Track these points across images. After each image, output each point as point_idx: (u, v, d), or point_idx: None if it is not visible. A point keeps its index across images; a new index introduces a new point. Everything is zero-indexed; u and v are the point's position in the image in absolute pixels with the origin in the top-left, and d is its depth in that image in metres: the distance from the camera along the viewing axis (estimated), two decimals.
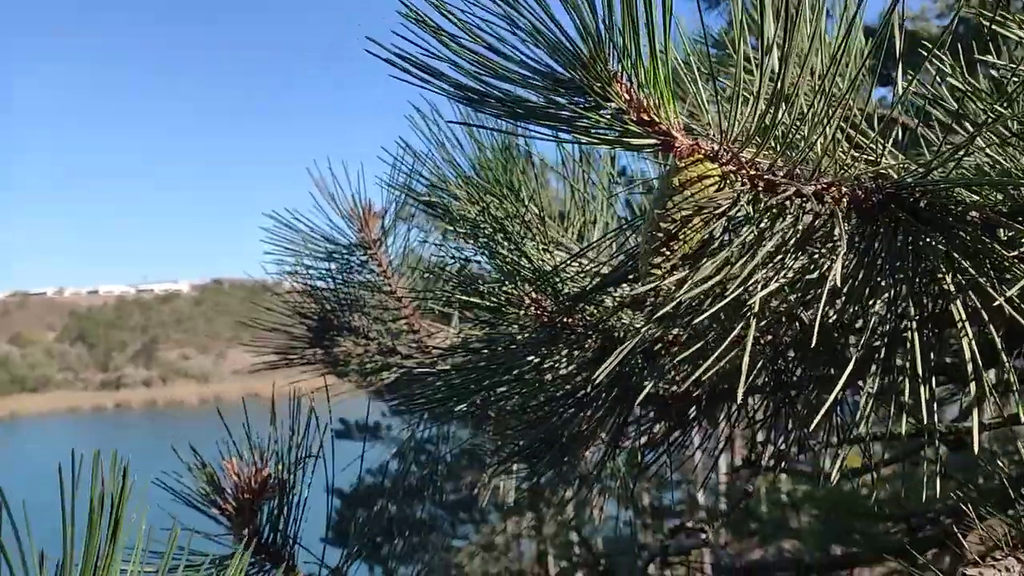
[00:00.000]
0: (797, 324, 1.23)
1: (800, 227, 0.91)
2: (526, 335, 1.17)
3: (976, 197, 0.98)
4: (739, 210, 0.90)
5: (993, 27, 0.91)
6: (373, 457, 2.03)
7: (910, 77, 0.99)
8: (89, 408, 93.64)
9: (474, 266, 1.27)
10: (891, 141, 1.09)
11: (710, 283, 0.79)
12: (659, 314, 0.77)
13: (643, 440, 1.40)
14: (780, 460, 1.50)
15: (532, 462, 1.33)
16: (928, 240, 0.93)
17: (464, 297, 1.18)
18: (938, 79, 1.01)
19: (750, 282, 0.82)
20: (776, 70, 0.89)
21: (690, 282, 0.83)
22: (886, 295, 0.95)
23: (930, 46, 0.91)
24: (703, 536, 2.01)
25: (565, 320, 1.15)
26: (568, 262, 1.12)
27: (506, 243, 1.14)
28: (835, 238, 0.80)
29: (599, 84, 0.90)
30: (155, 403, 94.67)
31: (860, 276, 0.95)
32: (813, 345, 0.75)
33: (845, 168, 0.96)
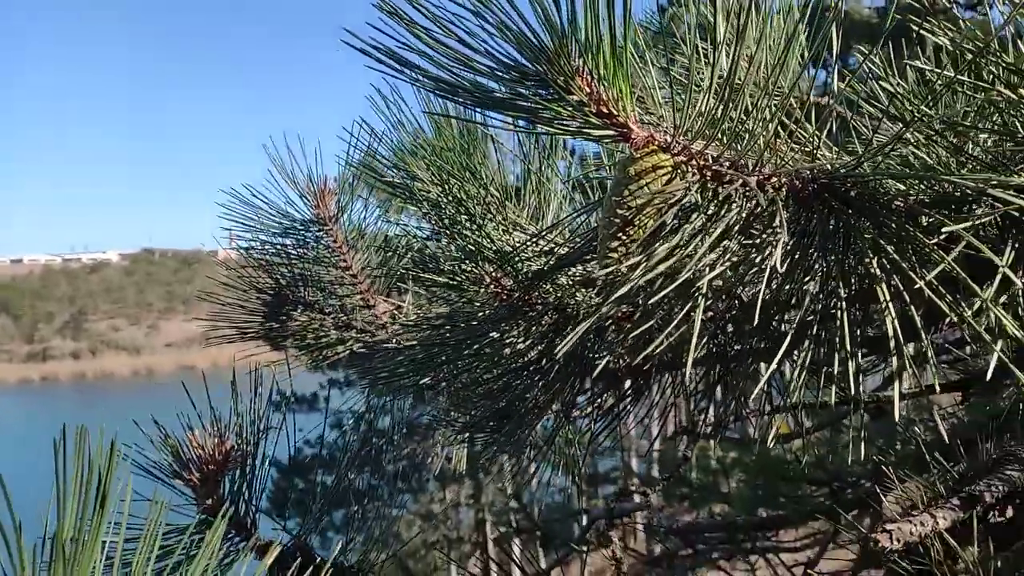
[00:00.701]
0: (736, 301, 1.32)
1: (744, 214, 0.99)
2: (486, 312, 1.23)
3: (901, 187, 1.07)
4: (689, 198, 0.97)
5: (922, 32, 1.00)
6: (309, 428, 2.08)
7: (845, 75, 1.08)
8: (15, 381, 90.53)
9: (432, 244, 1.32)
10: (826, 133, 1.18)
11: (663, 266, 0.86)
12: (616, 295, 0.84)
13: (593, 411, 1.48)
14: (717, 428, 1.61)
15: (490, 433, 1.40)
16: (857, 226, 1.02)
17: (426, 275, 1.24)
18: (871, 78, 1.09)
19: (699, 265, 0.90)
20: (725, 68, 0.96)
21: (644, 266, 0.90)
22: (819, 275, 1.03)
23: (865, 51, 0.99)
24: (646, 500, 2.12)
25: (524, 297, 1.22)
26: (529, 243, 1.19)
27: (469, 224, 1.20)
28: (775, 225, 0.88)
29: (562, 78, 0.96)
30: (84, 376, 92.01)
31: (796, 258, 1.04)
32: (755, 322, 0.82)
33: (784, 159, 1.04)
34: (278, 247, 1.85)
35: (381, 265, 1.77)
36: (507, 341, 1.26)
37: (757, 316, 0.85)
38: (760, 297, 0.86)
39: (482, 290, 1.24)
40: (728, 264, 0.94)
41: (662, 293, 0.86)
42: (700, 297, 0.90)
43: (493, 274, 1.24)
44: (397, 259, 1.66)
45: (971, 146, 1.00)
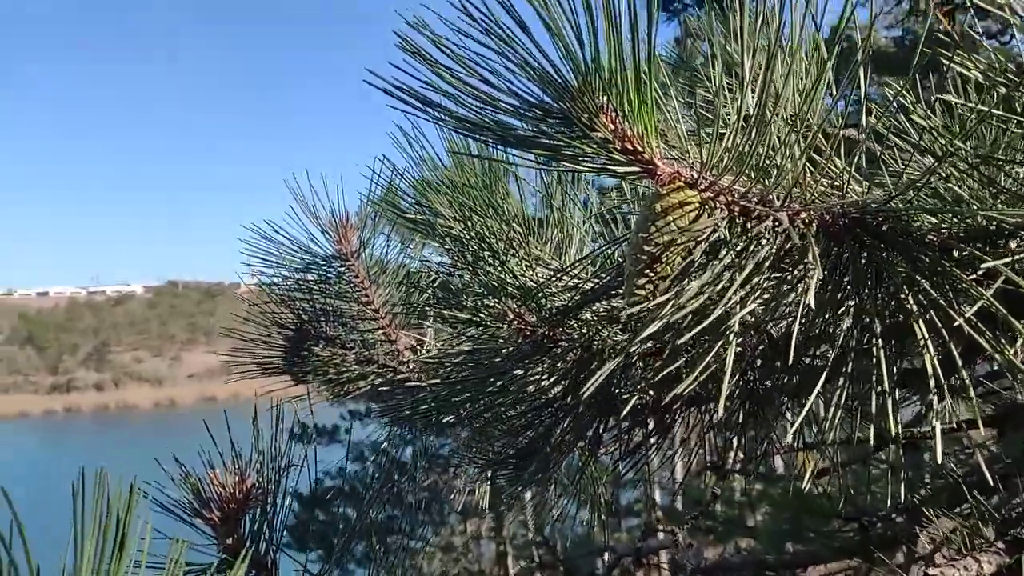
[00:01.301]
0: (766, 337, 1.29)
1: (774, 250, 0.97)
2: (509, 348, 1.21)
3: (934, 220, 1.05)
4: (718, 235, 0.96)
5: (952, 65, 0.98)
6: (330, 459, 2.06)
7: (873, 109, 1.06)
8: (39, 412, 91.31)
9: (456, 280, 1.31)
10: (855, 167, 1.16)
11: (693, 304, 0.84)
12: (644, 333, 0.82)
13: (619, 448, 1.46)
14: (747, 465, 1.57)
15: (513, 470, 1.38)
16: (890, 261, 0.99)
17: (448, 312, 1.23)
18: (899, 111, 1.08)
19: (730, 303, 0.88)
20: (751, 103, 0.95)
21: (673, 304, 0.88)
22: (852, 311, 1.01)
23: (898, 86, 0.98)
24: (673, 538, 2.07)
25: (548, 334, 1.20)
26: (553, 279, 1.17)
27: (491, 260, 1.19)
28: (807, 260, 0.86)
29: (586, 115, 0.95)
30: (107, 407, 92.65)
31: (828, 294, 1.02)
32: (790, 359, 0.80)
33: (814, 194, 1.02)
34: (299, 282, 1.85)
35: (403, 300, 1.76)
36: (531, 378, 1.24)
37: (791, 356, 0.82)
38: (794, 334, 0.84)
39: (505, 326, 1.22)
40: (759, 301, 0.92)
41: (692, 332, 0.84)
42: (731, 335, 0.88)
43: (516, 310, 1.22)
44: (419, 294, 1.65)
45: (1003, 178, 0.98)
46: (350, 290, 1.87)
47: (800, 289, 0.86)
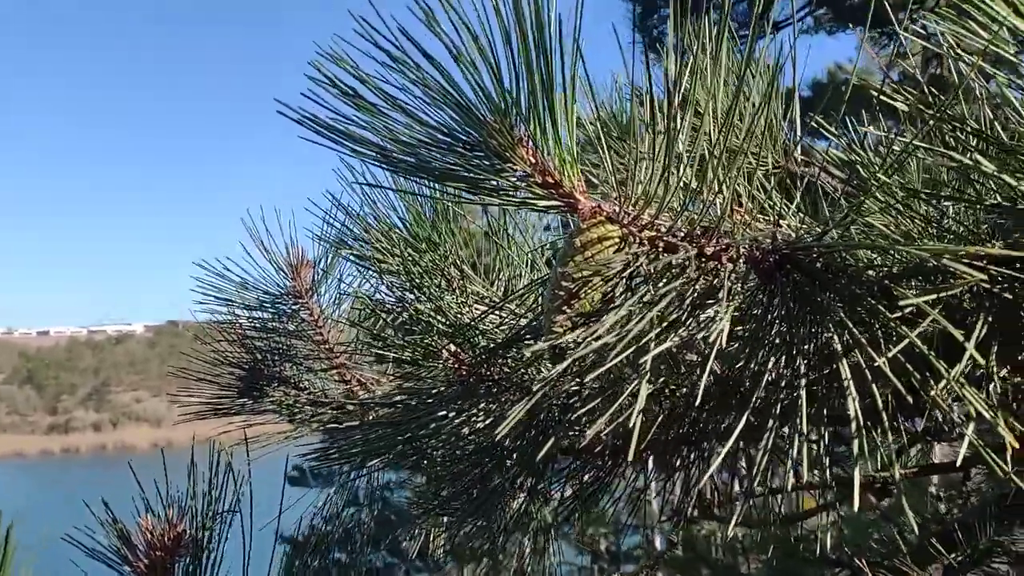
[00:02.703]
0: (711, 378, 1.26)
1: (697, 287, 0.94)
2: (442, 388, 1.17)
3: (877, 259, 1.02)
4: (638, 270, 0.93)
5: (881, 98, 0.96)
6: (309, 502, 2.01)
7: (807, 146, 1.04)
8: (36, 453, 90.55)
9: (392, 317, 1.28)
10: (795, 204, 1.13)
11: (601, 341, 0.81)
12: (552, 373, 0.78)
13: (566, 490, 1.41)
14: (677, 515, 1.52)
15: (453, 514, 1.33)
16: (819, 300, 0.96)
17: (379, 351, 1.19)
18: (832, 147, 1.05)
19: (643, 340, 0.84)
20: (679, 139, 0.92)
21: (586, 339, 0.85)
22: (781, 352, 0.97)
23: (824, 123, 0.96)
24: None
25: (482, 373, 1.16)
26: (484, 316, 1.14)
27: (423, 296, 1.16)
28: (720, 297, 0.83)
29: (505, 148, 0.93)
30: (104, 447, 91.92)
31: (752, 333, 0.99)
32: (698, 402, 0.77)
33: (742, 229, 0.99)
34: (252, 319, 1.82)
35: (354, 339, 1.73)
36: (463, 419, 1.20)
37: (700, 396, 0.79)
38: (704, 375, 0.80)
39: (440, 365, 1.19)
40: (676, 340, 0.88)
41: (600, 369, 0.81)
42: (644, 374, 0.84)
43: (451, 349, 1.19)
44: (365, 332, 1.62)
45: (932, 212, 0.95)
46: (305, 328, 1.84)
47: (715, 328, 0.83)
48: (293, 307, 1.81)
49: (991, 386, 0.91)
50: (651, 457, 1.37)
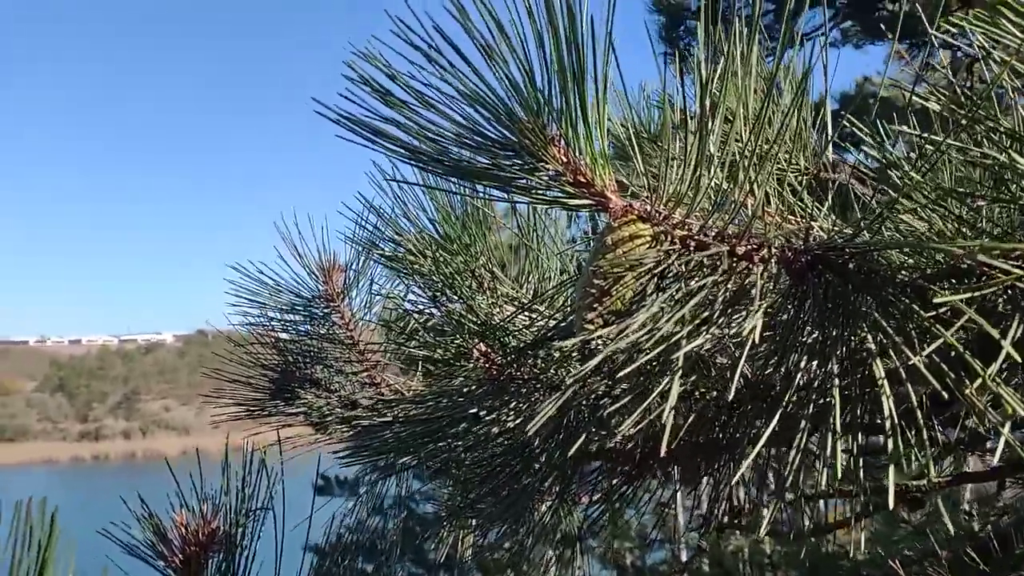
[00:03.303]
0: (741, 380, 1.25)
1: (729, 286, 0.94)
2: (473, 387, 1.18)
3: (910, 260, 1.02)
4: (669, 268, 0.93)
5: (915, 98, 0.96)
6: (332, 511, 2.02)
7: (843, 145, 1.04)
8: (67, 459, 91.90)
9: (425, 319, 1.30)
10: (827, 205, 1.13)
11: (631, 338, 0.81)
12: (584, 368, 0.79)
13: (594, 495, 1.41)
14: (707, 522, 1.51)
15: (480, 516, 1.33)
16: (854, 300, 0.96)
17: (411, 350, 1.20)
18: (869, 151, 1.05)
19: (673, 338, 0.85)
20: (712, 140, 0.93)
21: (616, 336, 0.86)
22: (815, 353, 0.97)
23: (855, 121, 0.96)
24: None
25: (512, 373, 1.17)
26: (514, 316, 1.15)
27: (455, 297, 1.17)
28: (752, 295, 0.83)
29: (537, 147, 0.94)
30: (134, 455, 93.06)
31: (786, 333, 0.98)
32: (729, 400, 0.77)
33: (775, 229, 0.99)
34: (284, 323, 1.84)
35: (385, 341, 1.74)
36: (500, 420, 1.21)
37: (732, 395, 0.79)
38: (736, 373, 0.80)
39: (471, 365, 1.20)
40: (707, 338, 0.88)
41: (631, 367, 0.81)
42: (676, 372, 0.84)
43: (483, 349, 1.20)
44: (394, 335, 1.64)
45: (966, 212, 0.94)
46: (336, 331, 1.86)
47: (747, 327, 0.83)
48: (325, 310, 1.83)
49: None
50: (678, 464, 1.37)
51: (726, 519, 1.57)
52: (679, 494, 1.42)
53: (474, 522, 1.48)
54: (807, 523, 2.16)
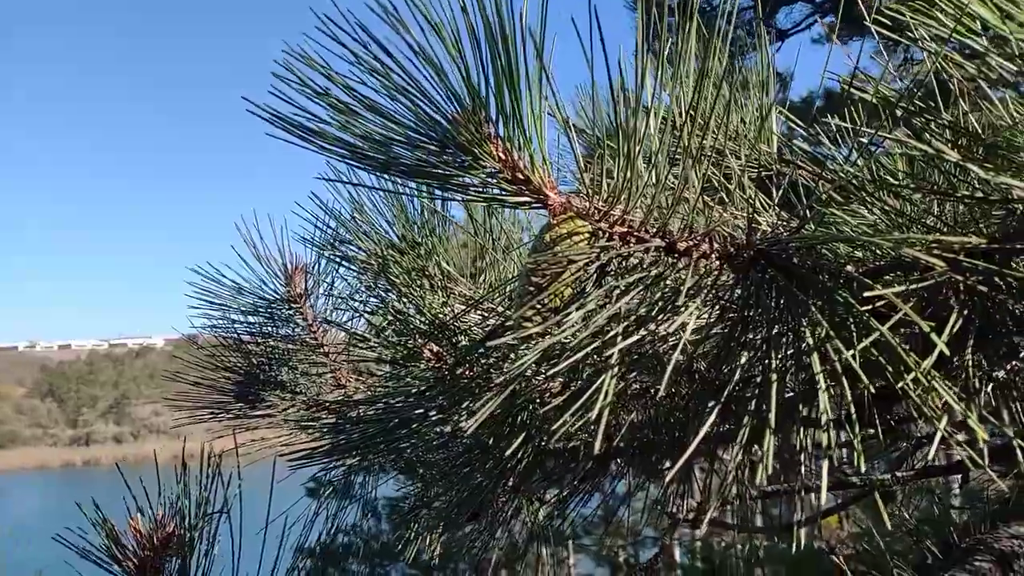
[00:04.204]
0: (696, 377, 1.25)
1: (668, 282, 0.93)
2: (423, 388, 1.17)
3: (843, 252, 1.01)
4: (608, 265, 0.92)
5: (851, 90, 0.96)
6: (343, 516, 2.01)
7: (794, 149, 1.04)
8: (58, 464, 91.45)
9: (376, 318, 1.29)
10: (772, 199, 1.13)
11: (566, 334, 0.81)
12: (515, 367, 0.78)
13: (558, 493, 1.40)
14: (700, 515, 1.50)
15: (439, 513, 1.33)
16: (795, 295, 0.95)
17: (364, 351, 1.19)
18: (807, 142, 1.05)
19: (609, 334, 0.84)
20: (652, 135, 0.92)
21: (551, 334, 0.85)
22: (757, 348, 0.97)
23: (790, 115, 0.95)
24: None
25: (458, 372, 1.16)
26: (462, 314, 1.14)
27: (403, 297, 1.16)
28: (683, 289, 0.83)
29: (473, 145, 0.93)
30: (125, 459, 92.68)
31: (735, 331, 0.98)
32: (660, 394, 0.76)
33: (718, 225, 0.99)
34: (248, 325, 1.83)
35: (347, 342, 1.73)
36: (449, 418, 1.20)
37: (664, 387, 0.78)
38: (668, 370, 0.80)
39: (422, 365, 1.19)
40: (643, 335, 0.88)
41: (564, 364, 0.81)
42: (609, 369, 0.84)
43: (433, 349, 1.19)
44: (354, 335, 1.62)
45: (905, 205, 0.94)
46: (300, 333, 1.84)
47: (677, 324, 0.82)
48: (288, 312, 1.82)
49: (969, 382, 0.90)
50: (638, 461, 1.36)
51: (689, 516, 1.56)
52: (639, 490, 1.42)
53: (434, 521, 1.47)
54: (781, 518, 2.17)
